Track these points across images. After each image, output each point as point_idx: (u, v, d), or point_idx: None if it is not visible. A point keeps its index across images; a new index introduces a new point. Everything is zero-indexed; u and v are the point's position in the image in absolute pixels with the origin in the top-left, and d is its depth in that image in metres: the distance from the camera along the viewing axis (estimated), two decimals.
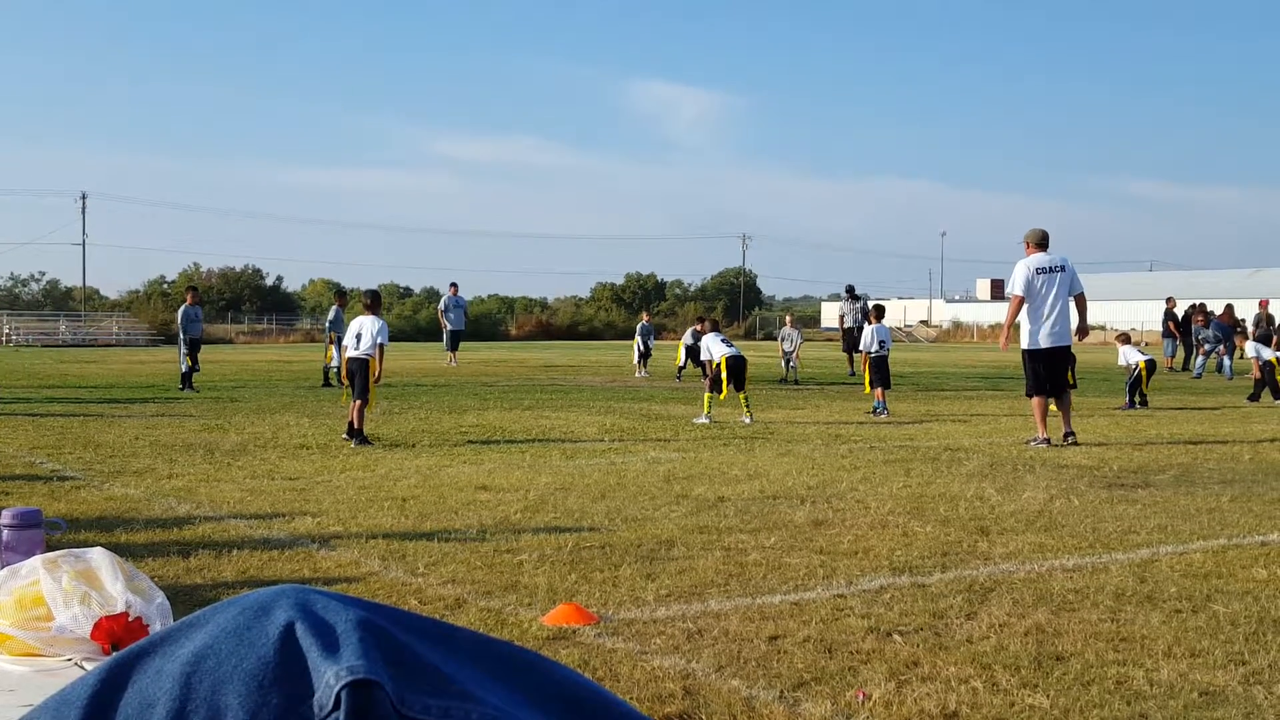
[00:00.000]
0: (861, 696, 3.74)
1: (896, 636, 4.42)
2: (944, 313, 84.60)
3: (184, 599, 4.59)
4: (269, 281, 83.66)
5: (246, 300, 77.15)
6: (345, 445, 10.74)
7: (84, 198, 71.04)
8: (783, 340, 23.02)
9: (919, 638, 4.41)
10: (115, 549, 2.12)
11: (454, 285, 27.06)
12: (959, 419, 13.91)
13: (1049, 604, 4.92)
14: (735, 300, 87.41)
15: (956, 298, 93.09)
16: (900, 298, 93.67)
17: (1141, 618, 4.70)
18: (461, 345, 28.03)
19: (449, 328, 26.38)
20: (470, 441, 11.18)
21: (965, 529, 6.64)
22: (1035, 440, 10.98)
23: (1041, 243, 11.31)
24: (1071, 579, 5.39)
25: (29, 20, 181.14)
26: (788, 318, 25.50)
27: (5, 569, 2.03)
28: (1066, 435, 11.07)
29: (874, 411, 14.32)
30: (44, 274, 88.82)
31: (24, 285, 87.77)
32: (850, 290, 24.70)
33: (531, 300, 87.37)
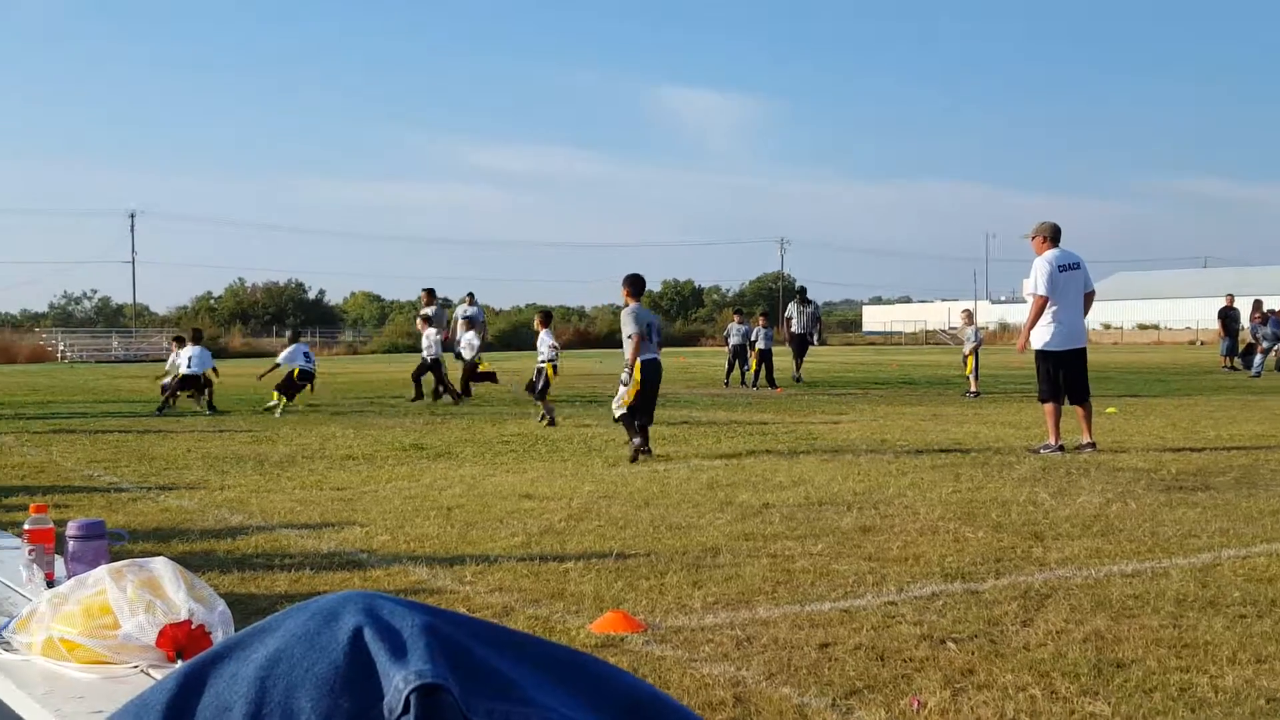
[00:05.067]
0: (916, 704, 3.71)
1: (950, 644, 4.37)
2: (990, 314, 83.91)
3: (240, 607, 4.62)
4: (311, 295, 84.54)
5: (290, 314, 77.96)
6: (391, 456, 10.84)
7: (133, 216, 72.26)
8: (729, 336, 23.48)
9: (974, 645, 4.36)
10: (172, 559, 2.14)
11: (470, 295, 27.11)
12: (1008, 423, 13.77)
13: (1108, 610, 4.85)
14: (774, 305, 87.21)
15: (1003, 299, 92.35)
16: (944, 299, 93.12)
17: (1204, 623, 4.62)
18: (500, 355, 28.09)
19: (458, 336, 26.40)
20: (513, 450, 11.21)
21: (1019, 534, 6.57)
22: (1047, 447, 10.50)
23: (1056, 237, 10.67)
24: (1130, 584, 5.31)
25: (79, 48, 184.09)
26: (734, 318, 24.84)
27: (72, 579, 2.06)
28: (1087, 445, 10.51)
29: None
30: (96, 292, 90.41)
31: (77, 303, 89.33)
32: (802, 293, 24.63)
33: (569, 309, 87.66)
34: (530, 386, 14.41)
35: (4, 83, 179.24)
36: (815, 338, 24.78)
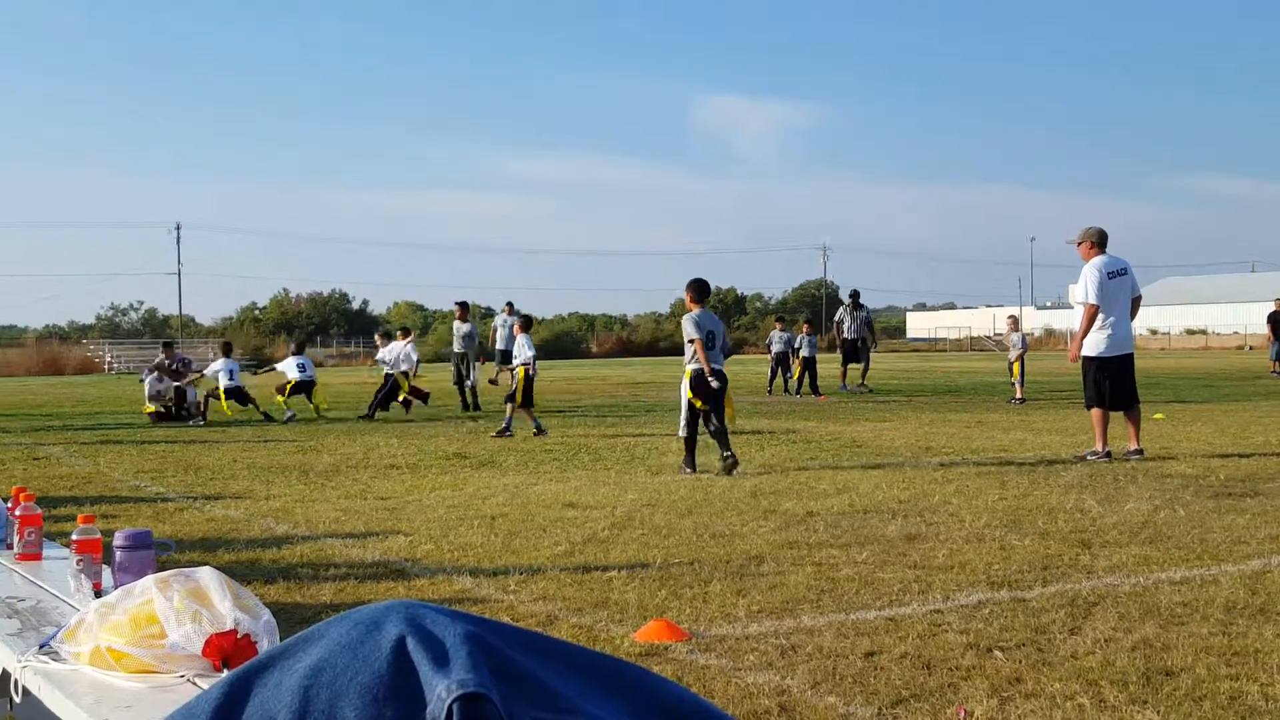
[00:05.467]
0: (963, 713, 3.67)
1: (997, 652, 4.33)
2: (1035, 320, 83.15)
3: (285, 617, 4.66)
4: (355, 305, 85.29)
5: (334, 324, 78.68)
6: (434, 465, 10.89)
7: (178, 228, 73.26)
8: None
9: (1021, 653, 4.32)
10: (218, 568, 2.16)
11: (509, 304, 27.11)
12: (1055, 429, 13.63)
13: (1156, 618, 4.78)
14: (817, 312, 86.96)
15: (1048, 304, 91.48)
16: (989, 305, 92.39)
17: (1254, 631, 4.54)
18: (541, 364, 28.08)
19: (500, 346, 26.29)
20: (555, 459, 11.23)
21: (1066, 542, 6.49)
22: (1094, 454, 10.36)
23: (1103, 242, 10.57)
24: (1179, 592, 5.24)
25: (124, 61, 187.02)
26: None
27: (119, 589, 2.08)
28: (1134, 452, 10.37)
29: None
30: (142, 303, 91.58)
31: (123, 314, 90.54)
32: (855, 297, 23.49)
33: (611, 317, 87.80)
34: (509, 397, 14.02)
35: (50, 96, 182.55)
36: (868, 343, 23.43)
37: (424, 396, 18.78)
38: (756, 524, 7.22)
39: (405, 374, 18.39)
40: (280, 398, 17.85)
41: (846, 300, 23.76)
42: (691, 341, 10.21)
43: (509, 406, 13.95)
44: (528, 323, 15.08)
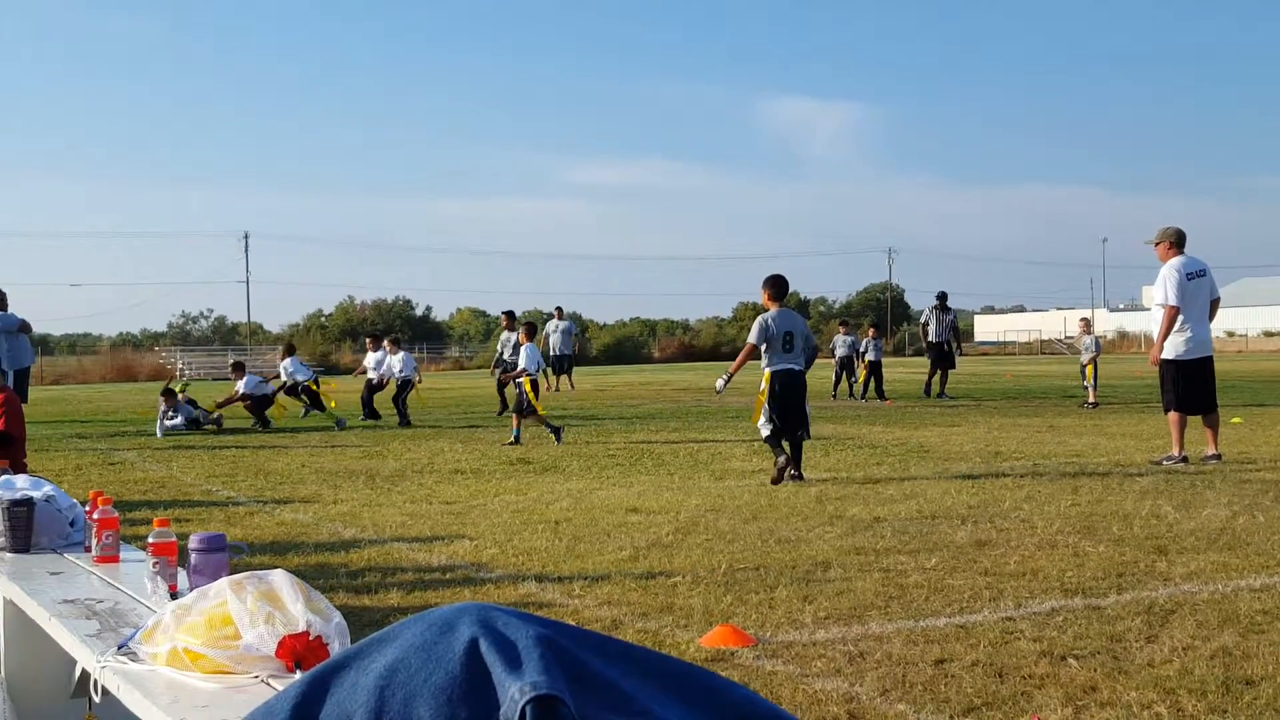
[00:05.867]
0: None
1: (1072, 660, 4.25)
2: (1108, 322, 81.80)
3: (354, 619, 4.69)
4: (419, 312, 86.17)
5: (399, 330, 79.52)
6: (498, 469, 10.96)
7: (246, 237, 74.48)
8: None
9: (1096, 661, 4.24)
10: (289, 571, 2.18)
11: (559, 309, 27.08)
12: (1129, 434, 13.39)
13: (1235, 626, 4.67)
14: (882, 316, 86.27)
15: (1121, 306, 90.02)
16: (1060, 308, 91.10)
17: None
18: (603, 369, 28.07)
19: (553, 352, 26.12)
20: (619, 464, 11.24)
21: (1141, 548, 6.37)
22: (1170, 459, 10.17)
23: (1181, 242, 10.44)
24: (1259, 599, 5.11)
25: (191, 72, 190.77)
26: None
27: (194, 591, 2.11)
28: (1212, 457, 10.18)
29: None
30: (212, 311, 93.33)
31: (194, 322, 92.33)
32: (942, 299, 22.11)
33: (673, 322, 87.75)
34: (517, 408, 13.79)
35: (120, 111, 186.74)
36: (954, 348, 21.96)
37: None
38: (822, 529, 7.17)
39: (409, 382, 18.01)
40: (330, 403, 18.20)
41: (934, 302, 22.25)
42: (750, 344, 9.74)
43: (514, 418, 13.80)
44: (532, 331, 14.78)
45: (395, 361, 18.27)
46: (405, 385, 17.83)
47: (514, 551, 6.66)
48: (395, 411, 17.60)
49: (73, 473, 11.26)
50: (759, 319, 9.75)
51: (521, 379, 13.79)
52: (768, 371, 9.71)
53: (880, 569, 5.95)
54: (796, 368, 9.69)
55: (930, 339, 21.97)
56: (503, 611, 1.21)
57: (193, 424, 17.15)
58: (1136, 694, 3.84)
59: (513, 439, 13.55)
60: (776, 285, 9.88)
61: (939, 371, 21.74)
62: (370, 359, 18.97)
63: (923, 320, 22.67)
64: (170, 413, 16.96)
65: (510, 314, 20.42)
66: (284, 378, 18.79)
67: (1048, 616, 4.91)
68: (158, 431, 16.38)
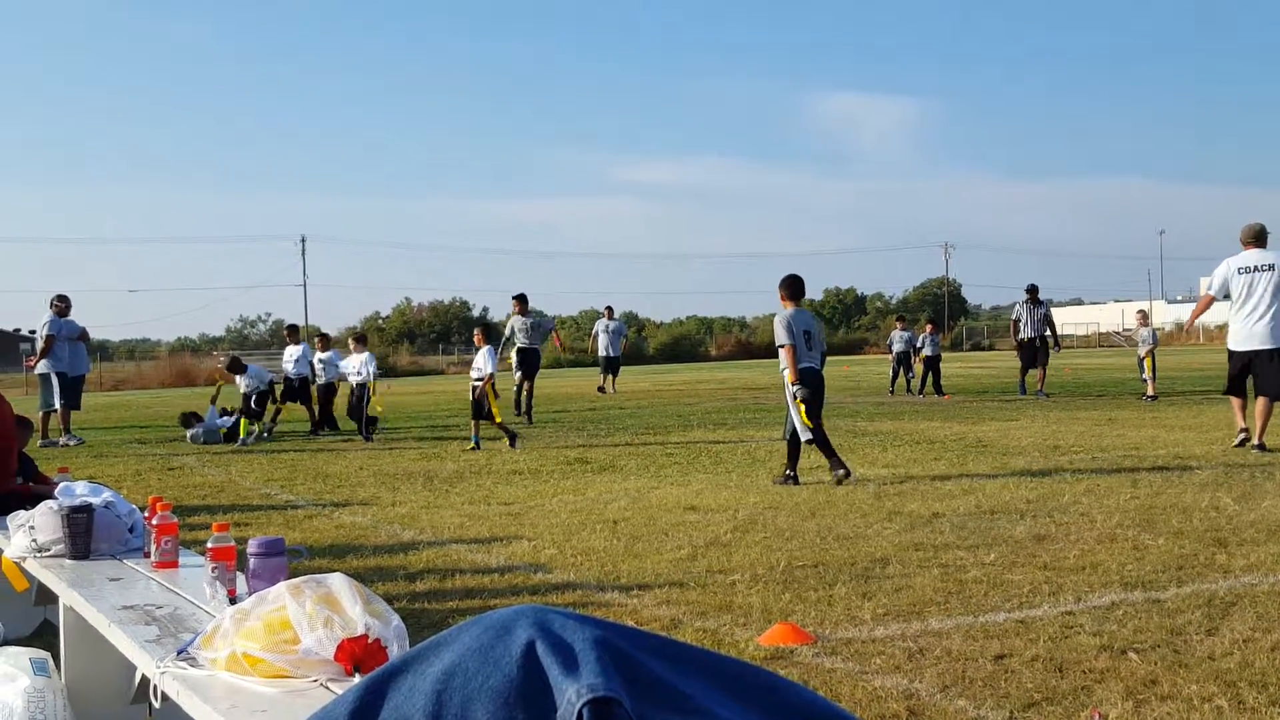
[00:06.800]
0: (1097, 717, 3.56)
1: (1132, 654, 4.20)
2: (1166, 314, 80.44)
3: (413, 622, 4.75)
4: (475, 312, 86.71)
5: (455, 331, 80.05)
6: (556, 470, 11.00)
7: (303, 240, 75.44)
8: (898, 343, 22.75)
9: (1156, 655, 4.18)
10: (347, 574, 2.20)
11: (609, 309, 26.87)
12: (1188, 426, 13.17)
13: None
14: (939, 311, 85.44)
15: (1179, 298, 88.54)
16: (1117, 300, 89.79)
17: None
18: (659, 367, 27.88)
19: (602, 353, 25.68)
20: (676, 463, 11.24)
21: (1201, 541, 6.27)
22: (1244, 431, 10.90)
23: (1255, 239, 10.94)
24: None
25: (249, 77, 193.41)
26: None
27: (253, 595, 2.14)
28: (1255, 445, 10.58)
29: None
30: (270, 314, 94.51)
31: (252, 326, 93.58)
32: (1033, 292, 20.76)
33: (730, 320, 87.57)
34: (487, 414, 13.46)
35: (178, 116, 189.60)
36: (1050, 343, 20.69)
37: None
38: (881, 526, 7.13)
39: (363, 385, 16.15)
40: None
41: (1024, 295, 20.92)
42: (783, 346, 9.60)
43: (474, 424, 13.57)
44: (489, 333, 14.28)
45: (353, 362, 16.29)
46: (362, 391, 15.87)
47: (572, 552, 6.69)
48: (356, 426, 15.85)
49: (132, 478, 11.43)
50: (781, 319, 9.67)
51: (482, 383, 13.54)
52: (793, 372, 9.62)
53: (939, 565, 5.91)
54: (816, 365, 9.70)
55: (1022, 335, 20.61)
56: (559, 613, 1.22)
57: (229, 435, 16.02)
58: (1197, 687, 3.78)
59: (473, 444, 13.43)
60: (793, 285, 9.88)
61: (1038, 368, 20.43)
62: (288, 352, 17.65)
63: (1014, 315, 21.26)
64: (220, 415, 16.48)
65: (521, 297, 19.05)
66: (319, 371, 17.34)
67: (1107, 610, 4.85)
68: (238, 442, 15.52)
